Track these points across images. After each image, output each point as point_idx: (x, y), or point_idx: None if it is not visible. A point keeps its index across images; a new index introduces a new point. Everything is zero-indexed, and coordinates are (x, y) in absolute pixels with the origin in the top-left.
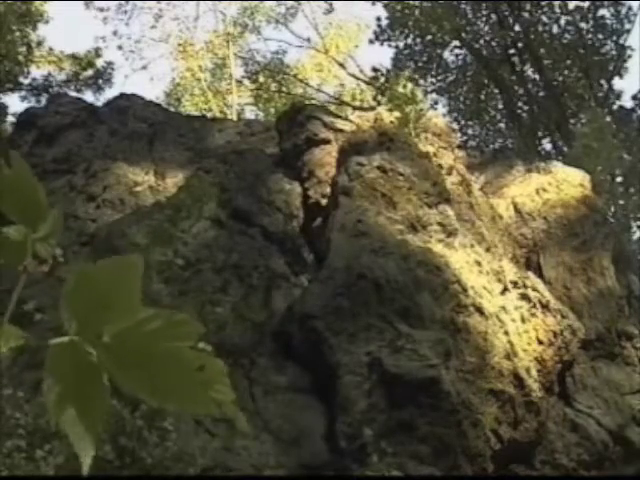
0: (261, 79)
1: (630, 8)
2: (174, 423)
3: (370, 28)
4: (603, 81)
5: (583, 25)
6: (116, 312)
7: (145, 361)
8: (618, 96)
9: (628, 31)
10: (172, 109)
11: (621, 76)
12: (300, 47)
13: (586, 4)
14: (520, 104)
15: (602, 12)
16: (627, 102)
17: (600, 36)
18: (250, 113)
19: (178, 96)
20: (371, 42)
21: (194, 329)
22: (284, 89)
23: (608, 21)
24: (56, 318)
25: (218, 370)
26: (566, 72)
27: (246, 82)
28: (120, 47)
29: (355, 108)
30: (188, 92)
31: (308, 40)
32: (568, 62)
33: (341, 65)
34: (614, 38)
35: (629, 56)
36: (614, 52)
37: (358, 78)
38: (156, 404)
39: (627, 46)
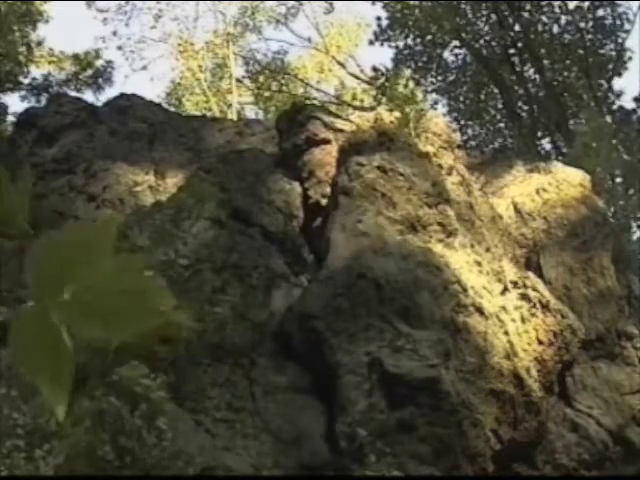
0: (261, 79)
1: (630, 8)
2: (174, 423)
3: (371, 27)
4: (603, 81)
5: (582, 25)
6: (78, 272)
7: (99, 308)
8: (618, 96)
9: (627, 31)
10: (172, 109)
11: (620, 75)
12: (301, 47)
13: (585, 4)
14: (520, 104)
15: (601, 12)
16: (627, 102)
17: (599, 36)
18: (250, 112)
19: (178, 96)
20: (371, 42)
21: (141, 262)
22: (284, 89)
23: (607, 21)
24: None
25: (159, 286)
26: (566, 72)
27: (247, 82)
28: (120, 47)
29: (355, 108)
30: (188, 92)
31: (309, 40)
32: (568, 62)
33: (341, 65)
34: (613, 38)
35: (629, 58)
36: (613, 52)
37: (359, 78)
38: (109, 337)
39: (626, 48)
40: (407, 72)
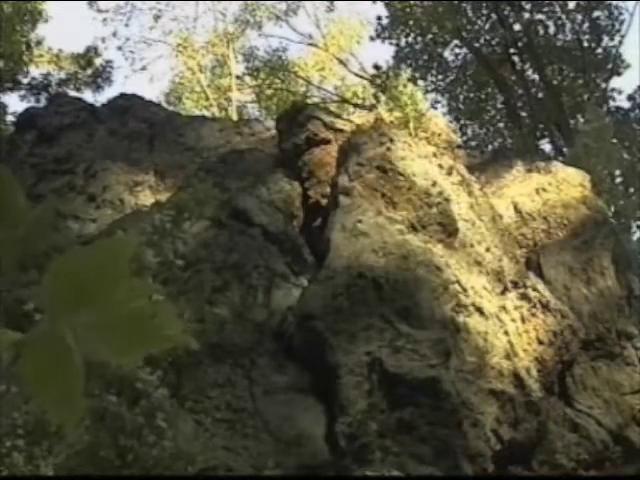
0: (262, 75)
1: (624, 9)
2: (174, 422)
3: (372, 25)
4: (600, 81)
5: (580, 25)
6: (94, 295)
7: (112, 332)
8: (615, 96)
9: (620, 31)
10: (172, 109)
11: (619, 74)
12: (302, 44)
13: (582, 4)
14: (520, 104)
15: (597, 13)
16: (626, 102)
17: (595, 36)
18: (251, 110)
19: (178, 95)
20: (372, 39)
21: (151, 288)
22: (285, 86)
23: (602, 22)
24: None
25: (168, 311)
26: (564, 72)
27: (247, 79)
28: (120, 48)
29: (356, 106)
30: (188, 91)
31: (310, 36)
32: (566, 62)
33: (342, 63)
34: (608, 39)
35: (622, 61)
36: (610, 53)
37: (360, 76)
38: (121, 361)
39: (619, 53)
40: (407, 72)
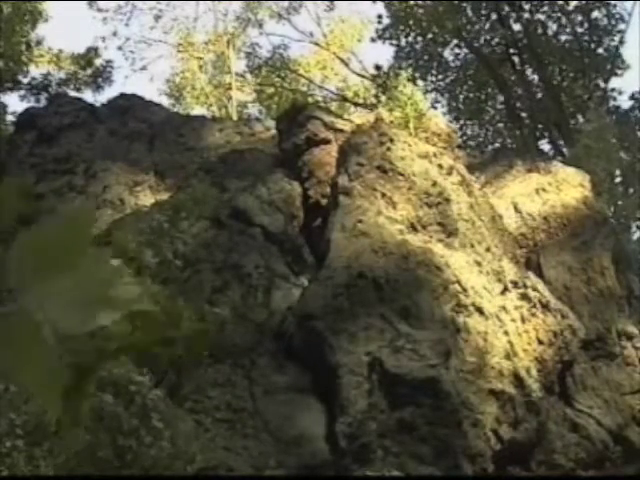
0: (263, 72)
1: (624, 9)
2: (174, 422)
3: (374, 23)
4: (600, 81)
5: (579, 26)
6: (58, 269)
7: (78, 302)
8: (616, 97)
9: (621, 31)
10: (172, 109)
11: (617, 75)
12: (303, 42)
13: (582, 4)
14: (520, 104)
15: (596, 13)
16: (625, 102)
17: (595, 37)
18: (252, 109)
19: (178, 95)
20: (372, 40)
21: (107, 255)
22: (286, 85)
23: (601, 22)
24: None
25: (125, 275)
26: (564, 72)
27: (248, 77)
28: (120, 47)
29: (357, 105)
30: (188, 91)
31: (311, 34)
32: (566, 62)
33: (343, 62)
34: (608, 39)
35: (622, 61)
36: (610, 53)
37: (361, 75)
38: (83, 330)
39: (618, 53)
40: (407, 72)
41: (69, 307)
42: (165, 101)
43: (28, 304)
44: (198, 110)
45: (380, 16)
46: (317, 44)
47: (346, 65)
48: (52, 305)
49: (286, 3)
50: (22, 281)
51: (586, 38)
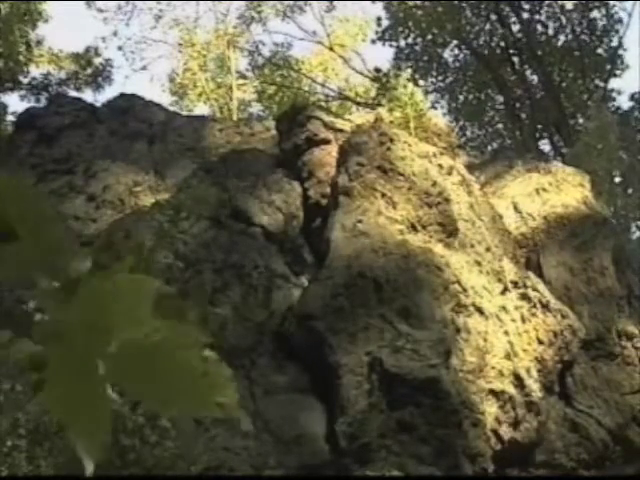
0: (266, 71)
1: (623, 9)
2: (174, 423)
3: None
4: (600, 81)
5: (578, 26)
6: (124, 324)
7: (151, 370)
8: (615, 97)
9: (618, 32)
10: (173, 108)
11: (616, 76)
12: (306, 41)
13: (581, 4)
14: (520, 104)
15: (595, 14)
16: (625, 102)
17: (594, 37)
18: (254, 108)
19: (179, 95)
20: (373, 42)
21: (198, 338)
22: (288, 84)
23: (601, 22)
24: (56, 319)
25: (223, 375)
26: (564, 73)
27: (250, 75)
28: (120, 48)
29: (359, 104)
30: (189, 91)
31: (314, 33)
32: (565, 63)
33: (345, 61)
34: (608, 39)
35: (622, 62)
36: (609, 53)
37: (362, 74)
38: (161, 410)
39: (618, 53)
40: (407, 72)
41: (139, 370)
42: (166, 101)
43: (91, 357)
44: (199, 110)
45: (380, 18)
46: (320, 42)
47: (348, 65)
48: (120, 363)
49: (288, 2)
50: (84, 333)
51: (586, 38)
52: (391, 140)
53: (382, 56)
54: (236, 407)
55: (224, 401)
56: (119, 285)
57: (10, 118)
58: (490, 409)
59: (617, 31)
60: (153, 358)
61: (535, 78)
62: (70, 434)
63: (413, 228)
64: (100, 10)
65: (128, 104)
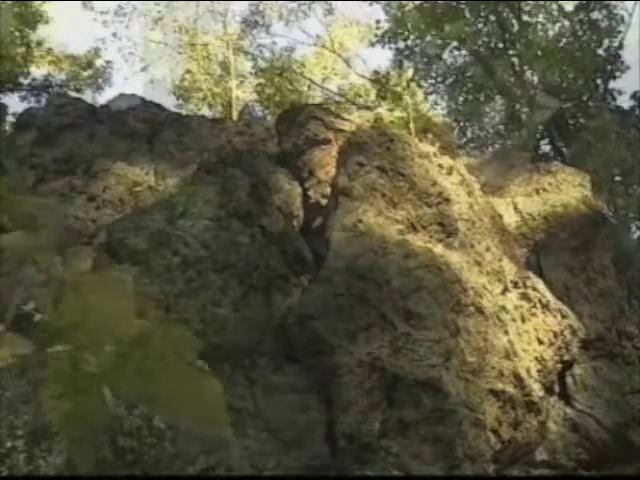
0: (268, 75)
1: (624, 9)
2: (174, 422)
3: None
4: (600, 82)
5: (578, 26)
6: (114, 323)
7: (145, 371)
8: (616, 97)
9: (620, 32)
10: (173, 109)
11: (615, 78)
12: (308, 44)
13: (581, 4)
14: (519, 105)
15: (596, 14)
16: (625, 103)
17: (595, 38)
18: (254, 109)
19: (179, 96)
20: (372, 44)
21: (192, 343)
22: (290, 86)
23: (602, 23)
24: (55, 320)
25: (214, 390)
26: (564, 74)
27: (251, 78)
28: (120, 49)
29: (360, 107)
30: (189, 92)
31: (317, 37)
32: (566, 63)
33: (347, 63)
34: (608, 40)
35: (622, 62)
36: (610, 54)
37: (363, 76)
38: (153, 411)
39: (618, 54)
40: (407, 73)
41: (134, 370)
42: (166, 102)
43: (88, 355)
44: (199, 111)
45: (378, 21)
46: (322, 46)
47: (349, 66)
48: (116, 363)
49: (292, 6)
50: (75, 330)
51: (586, 38)
52: (391, 140)
53: (383, 59)
54: (225, 425)
55: (213, 416)
56: (101, 282)
57: (10, 119)
58: (490, 409)
59: (619, 32)
60: (148, 359)
61: (535, 79)
62: (65, 435)
63: (413, 228)
64: (102, 12)
65: (128, 104)
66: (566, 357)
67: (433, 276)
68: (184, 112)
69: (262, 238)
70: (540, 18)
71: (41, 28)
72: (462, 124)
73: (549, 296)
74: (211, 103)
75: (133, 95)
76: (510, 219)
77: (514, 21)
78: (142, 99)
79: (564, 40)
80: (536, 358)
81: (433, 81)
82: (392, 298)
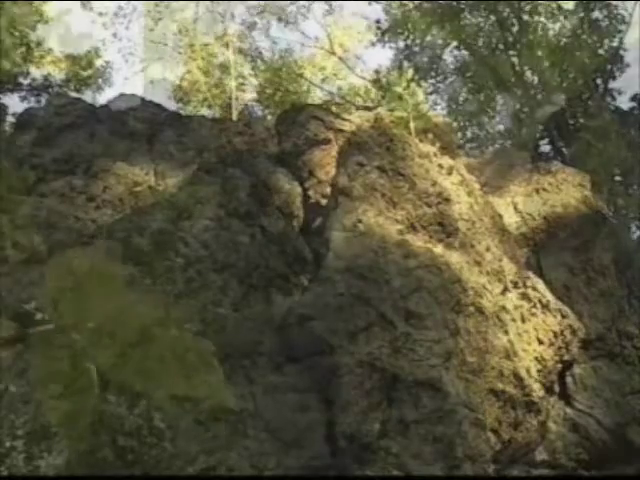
0: (267, 76)
1: (625, 9)
2: (174, 422)
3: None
4: (600, 81)
5: (578, 26)
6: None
7: (131, 344)
8: (616, 97)
9: (621, 32)
10: (173, 109)
11: (615, 78)
12: (308, 45)
13: (582, 4)
14: (519, 105)
15: (596, 14)
16: (625, 103)
17: (595, 37)
18: (254, 109)
19: (179, 96)
20: (372, 44)
21: (173, 313)
22: (290, 87)
23: (602, 23)
24: (56, 317)
25: (206, 351)
26: (564, 73)
27: (250, 79)
28: (120, 50)
29: (359, 107)
30: (189, 92)
31: (316, 39)
32: (566, 63)
33: (346, 64)
34: (608, 40)
35: (622, 62)
36: (610, 53)
37: (363, 77)
38: (141, 386)
39: (619, 54)
40: (408, 73)
41: (115, 344)
42: (166, 103)
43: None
44: (200, 111)
45: (378, 21)
46: (322, 47)
47: (348, 67)
48: (98, 336)
49: (294, 7)
50: (60, 307)
51: (586, 38)
52: (391, 140)
53: (384, 59)
54: (221, 384)
55: (208, 378)
56: (80, 260)
57: (10, 119)
58: (490, 409)
59: (620, 31)
60: (133, 332)
61: (535, 79)
62: (53, 415)
63: (413, 228)
64: (101, 14)
65: (128, 104)
66: (566, 357)
67: (433, 276)
68: (184, 112)
69: (262, 238)
70: (540, 18)
71: (41, 27)
72: (462, 124)
73: (549, 296)
74: (211, 103)
75: (133, 95)
76: (510, 219)
77: (514, 21)
78: (142, 99)
79: (564, 40)
80: (536, 358)
81: (433, 81)
82: (392, 298)
